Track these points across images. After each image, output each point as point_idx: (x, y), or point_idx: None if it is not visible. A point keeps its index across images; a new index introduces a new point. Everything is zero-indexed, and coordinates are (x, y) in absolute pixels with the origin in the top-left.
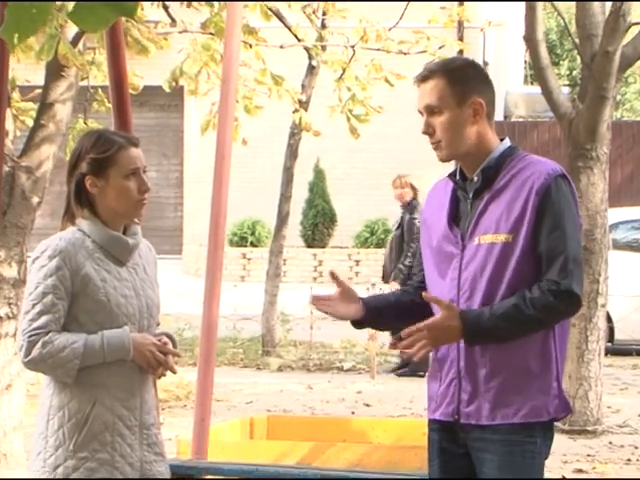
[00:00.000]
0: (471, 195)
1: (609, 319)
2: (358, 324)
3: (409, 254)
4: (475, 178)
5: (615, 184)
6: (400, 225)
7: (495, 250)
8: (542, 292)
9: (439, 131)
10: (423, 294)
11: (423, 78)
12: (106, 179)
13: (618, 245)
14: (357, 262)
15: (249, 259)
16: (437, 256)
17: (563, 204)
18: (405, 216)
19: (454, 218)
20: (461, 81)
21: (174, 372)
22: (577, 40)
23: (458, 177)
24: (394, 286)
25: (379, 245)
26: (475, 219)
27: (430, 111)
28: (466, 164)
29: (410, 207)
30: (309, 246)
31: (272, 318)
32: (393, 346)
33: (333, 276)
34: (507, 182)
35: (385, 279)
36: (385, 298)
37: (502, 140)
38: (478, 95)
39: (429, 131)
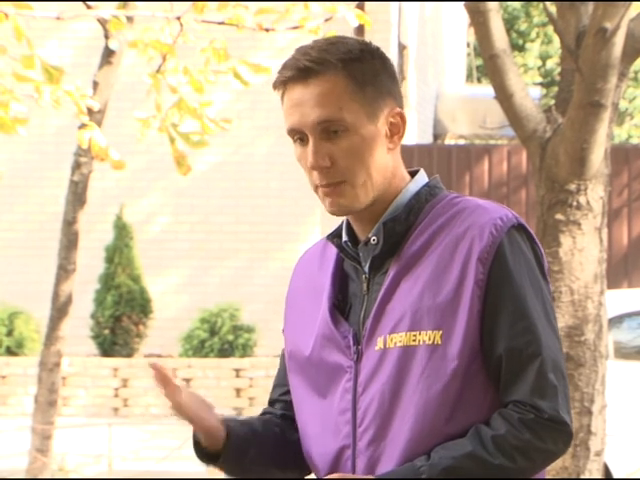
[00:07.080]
0: (367, 268)
1: (607, 474)
2: (210, 458)
3: None
4: (373, 239)
5: (619, 250)
6: None
7: (414, 358)
8: (510, 425)
9: (344, 164)
10: None
11: (306, 73)
12: None
13: (624, 352)
14: (187, 382)
15: (2, 376)
16: (314, 372)
17: (525, 274)
18: None
19: (340, 307)
20: (371, 79)
21: None
22: (553, 9)
23: (345, 238)
24: None
25: (226, 353)
26: (376, 308)
27: (324, 131)
28: (360, 216)
29: None
30: (106, 354)
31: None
32: None
33: (157, 371)
34: (426, 244)
35: None
36: (250, 425)
37: (413, 175)
38: (395, 102)
39: (326, 163)
